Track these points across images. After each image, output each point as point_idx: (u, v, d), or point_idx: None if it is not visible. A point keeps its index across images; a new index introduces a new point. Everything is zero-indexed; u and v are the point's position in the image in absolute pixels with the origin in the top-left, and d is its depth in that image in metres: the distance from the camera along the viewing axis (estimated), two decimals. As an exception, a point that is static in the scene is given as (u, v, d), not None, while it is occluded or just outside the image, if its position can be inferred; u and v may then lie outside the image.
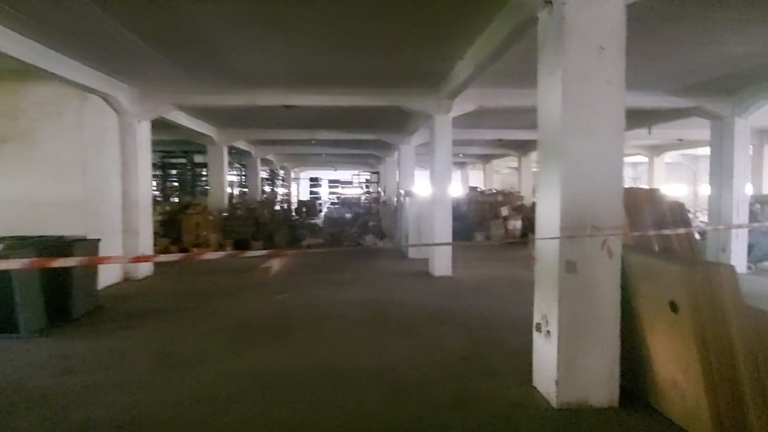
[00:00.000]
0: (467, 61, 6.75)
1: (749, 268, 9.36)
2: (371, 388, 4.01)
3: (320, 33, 6.05)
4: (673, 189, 22.83)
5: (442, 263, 9.07)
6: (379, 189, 24.99)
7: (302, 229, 16.33)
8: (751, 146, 14.74)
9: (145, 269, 9.07)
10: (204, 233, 13.11)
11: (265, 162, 24.97)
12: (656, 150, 18.93)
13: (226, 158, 14.91)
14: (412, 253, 11.30)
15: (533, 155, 19.48)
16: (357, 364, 4.58)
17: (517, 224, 14.60)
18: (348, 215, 19.88)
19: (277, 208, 20.38)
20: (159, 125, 11.17)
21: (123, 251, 8.71)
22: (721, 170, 9.36)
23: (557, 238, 3.49)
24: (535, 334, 3.85)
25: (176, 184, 19.19)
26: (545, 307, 3.70)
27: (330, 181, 38.18)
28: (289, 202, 26.98)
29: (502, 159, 23.21)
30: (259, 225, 14.35)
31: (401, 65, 7.42)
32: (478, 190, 19.82)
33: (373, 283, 8.50)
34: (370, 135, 14.31)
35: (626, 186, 4.05)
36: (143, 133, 8.97)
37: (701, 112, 9.37)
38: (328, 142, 16.92)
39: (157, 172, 19.52)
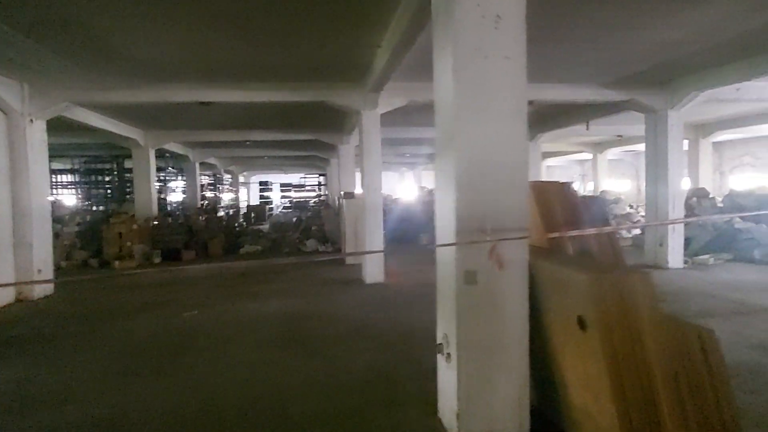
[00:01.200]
0: (384, 49, 6.22)
1: (686, 262, 9.24)
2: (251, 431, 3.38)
3: (224, 23, 5.40)
4: (617, 185, 23.16)
5: (374, 270, 8.50)
6: (326, 192, 24.30)
7: (245, 236, 15.45)
8: (687, 141, 15.01)
9: (43, 288, 8.09)
10: (128, 244, 12.10)
11: (208, 166, 23.88)
12: (599, 147, 19.06)
13: (153, 162, 13.87)
14: (350, 258, 10.70)
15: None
16: (246, 397, 3.93)
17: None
18: (294, 219, 19.09)
19: (221, 214, 19.40)
20: (74, 128, 10.19)
21: (14, 268, 7.72)
22: (656, 164, 9.20)
23: (451, 244, 2.96)
24: (438, 356, 3.31)
25: (104, 191, 17.86)
26: (445, 325, 3.17)
27: (282, 185, 37.09)
28: (237, 207, 25.88)
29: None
30: (193, 233, 13.42)
31: (319, 56, 6.82)
32: (427, 190, 19.42)
33: (300, 294, 7.84)
34: (307, 135, 13.63)
35: (535, 180, 3.58)
36: (36, 135, 8.00)
37: (635, 106, 9.19)
38: (267, 143, 16.10)
39: (81, 179, 18.21)
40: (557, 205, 3.48)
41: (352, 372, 4.38)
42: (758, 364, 4.33)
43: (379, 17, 5.40)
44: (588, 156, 20.84)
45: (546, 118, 12.74)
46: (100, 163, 17.98)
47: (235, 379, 4.33)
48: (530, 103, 8.91)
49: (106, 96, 8.13)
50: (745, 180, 18.20)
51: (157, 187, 15.57)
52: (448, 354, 3.08)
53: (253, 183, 33.23)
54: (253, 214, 23.01)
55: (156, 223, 13.24)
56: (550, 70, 7.92)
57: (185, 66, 7.21)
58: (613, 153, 19.55)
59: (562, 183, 3.58)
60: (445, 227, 3.10)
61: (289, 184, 36.24)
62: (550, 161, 25.83)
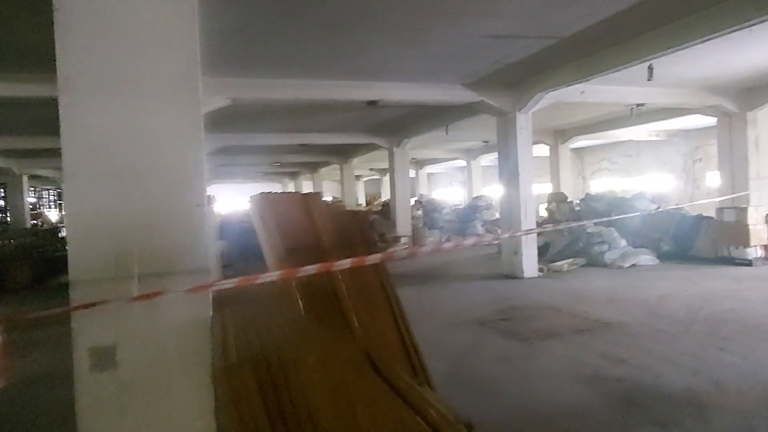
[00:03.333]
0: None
1: (541, 270, 8.89)
2: None
3: None
4: (490, 191, 23.57)
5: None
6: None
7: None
8: (548, 147, 15.29)
9: None
10: None
11: (49, 181, 20.69)
12: (472, 153, 19.10)
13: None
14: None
15: (355, 161, 18.45)
16: None
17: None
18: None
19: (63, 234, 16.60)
20: None
21: None
22: (508, 169, 8.79)
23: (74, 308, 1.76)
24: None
25: None
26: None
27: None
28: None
29: (329, 167, 21.90)
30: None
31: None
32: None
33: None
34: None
35: (270, 191, 2.50)
36: None
37: (486, 108, 8.71)
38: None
39: None
40: (305, 226, 2.43)
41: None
42: (581, 407, 3.61)
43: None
44: (462, 163, 20.90)
45: (406, 122, 12.11)
46: None
47: None
48: (374, 103, 8.08)
49: None
50: (603, 184, 19.16)
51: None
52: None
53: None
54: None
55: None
56: (390, 65, 7.10)
57: None
58: (486, 159, 19.69)
59: (307, 194, 2.55)
60: (75, 269, 1.88)
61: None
62: (430, 168, 25.83)
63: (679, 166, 16.80)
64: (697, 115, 10.78)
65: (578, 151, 20.16)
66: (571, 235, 10.37)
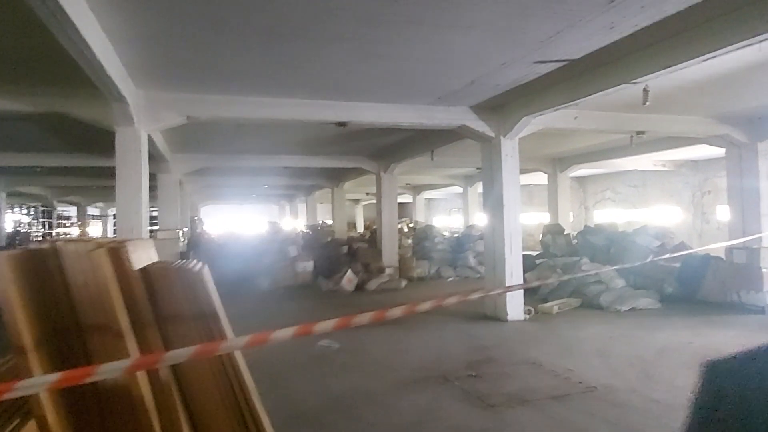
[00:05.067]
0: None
1: (528, 312, 7.98)
2: None
3: None
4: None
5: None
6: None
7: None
8: (546, 175, 14.50)
9: None
10: None
11: (35, 198, 20.23)
12: (469, 180, 18.36)
13: None
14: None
15: (348, 185, 17.75)
16: None
17: (307, 266, 12.36)
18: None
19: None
20: None
21: None
22: (492, 199, 8.00)
23: None
24: None
25: None
26: None
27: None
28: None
29: (324, 191, 21.20)
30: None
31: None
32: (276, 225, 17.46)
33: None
34: (104, 161, 11.07)
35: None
36: None
37: (468, 132, 7.98)
38: (73, 169, 13.26)
39: None
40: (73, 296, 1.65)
41: None
42: None
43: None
44: (458, 189, 20.15)
45: (391, 146, 11.41)
46: None
47: None
48: (343, 124, 7.37)
49: None
50: (606, 215, 18.27)
51: None
52: None
53: (110, 216, 29.22)
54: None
55: None
56: (357, 84, 6.42)
57: None
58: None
59: (114, 246, 1.75)
60: None
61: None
62: (429, 194, 25.12)
63: (687, 199, 15.90)
64: (705, 145, 9.96)
65: (580, 180, 19.34)
66: (564, 272, 9.48)
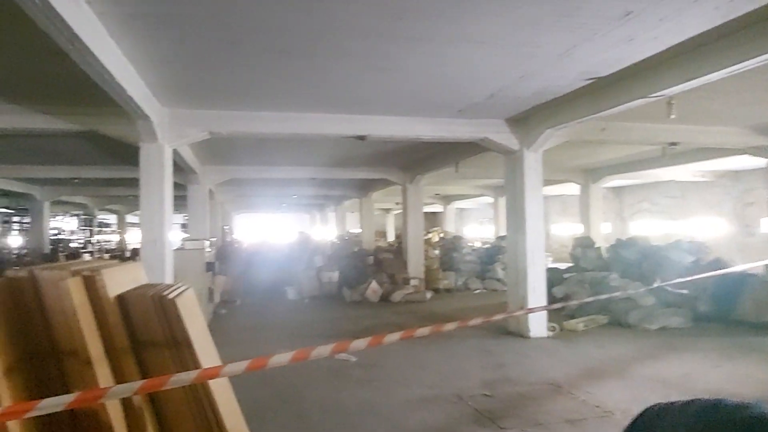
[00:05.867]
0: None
1: (552, 329, 7.77)
2: None
3: None
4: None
5: None
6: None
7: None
8: (579, 186, 14.14)
9: None
10: None
11: (79, 206, 21.17)
12: (500, 190, 18.07)
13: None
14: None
15: (376, 195, 17.79)
16: None
17: (332, 276, 12.43)
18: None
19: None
20: None
21: None
22: (515, 213, 7.86)
23: None
24: None
25: None
26: None
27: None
28: (122, 250, 23.02)
29: (353, 200, 21.31)
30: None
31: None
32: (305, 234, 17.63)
33: None
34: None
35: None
36: None
37: (491, 145, 7.87)
38: (110, 180, 13.80)
39: None
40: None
41: None
42: None
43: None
44: (489, 199, 19.89)
45: (415, 158, 11.39)
46: None
47: None
48: (363, 138, 7.41)
49: None
50: (643, 226, 17.66)
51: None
52: None
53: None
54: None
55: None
56: (374, 98, 6.45)
57: None
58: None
59: (88, 275, 1.78)
60: None
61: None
62: (459, 203, 24.91)
63: (728, 210, 15.19)
64: (746, 155, 9.50)
65: (616, 190, 18.79)
66: (592, 288, 9.20)
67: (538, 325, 7.58)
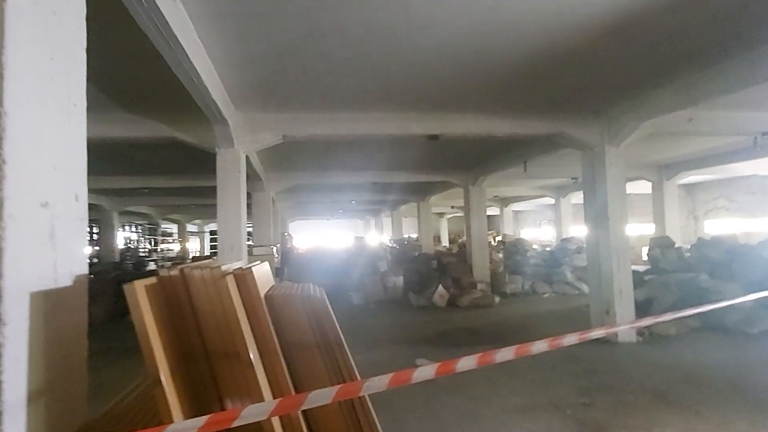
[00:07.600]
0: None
1: (641, 333, 7.30)
2: None
3: None
4: (582, 231, 21.44)
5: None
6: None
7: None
8: (651, 183, 13.39)
9: None
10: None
11: (143, 216, 22.02)
12: (562, 191, 17.45)
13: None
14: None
15: (434, 199, 17.57)
16: None
17: (397, 281, 12.27)
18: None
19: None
20: None
21: None
22: (595, 212, 7.43)
23: None
24: None
25: None
26: None
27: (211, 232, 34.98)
28: (184, 258, 23.86)
29: (409, 205, 21.15)
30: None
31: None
32: (362, 239, 17.56)
33: None
34: (202, 181, 11.70)
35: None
36: None
37: (567, 140, 7.50)
38: (176, 189, 14.21)
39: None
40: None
41: None
42: None
43: None
44: (549, 200, 19.22)
45: (480, 158, 11.08)
46: None
47: None
48: (435, 137, 7.22)
49: None
50: (719, 225, 16.56)
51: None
52: None
53: (207, 232, 31.19)
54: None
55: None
56: (450, 96, 6.26)
57: None
58: (577, 197, 17.90)
59: (239, 272, 1.65)
60: None
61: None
62: (516, 206, 24.27)
63: (819, 206, 14.01)
64: None
65: (688, 187, 17.74)
66: (680, 290, 8.61)
67: (626, 330, 7.12)
